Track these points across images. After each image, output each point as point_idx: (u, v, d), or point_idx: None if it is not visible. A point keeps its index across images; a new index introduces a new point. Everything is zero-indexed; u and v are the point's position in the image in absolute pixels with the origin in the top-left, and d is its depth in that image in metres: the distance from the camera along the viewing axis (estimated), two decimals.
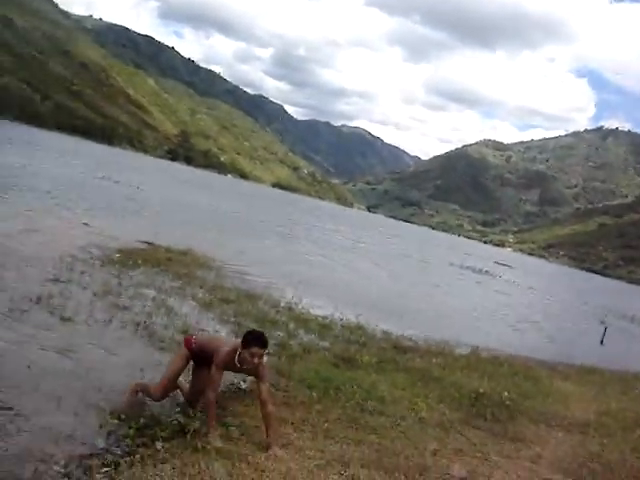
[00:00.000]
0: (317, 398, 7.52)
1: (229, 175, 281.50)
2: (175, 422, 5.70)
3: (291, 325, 11.92)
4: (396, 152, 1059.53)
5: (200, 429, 5.64)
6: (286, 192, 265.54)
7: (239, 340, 5.89)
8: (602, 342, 25.56)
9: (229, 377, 7.67)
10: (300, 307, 13.94)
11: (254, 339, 5.74)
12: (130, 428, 5.53)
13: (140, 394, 6.39)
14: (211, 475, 4.88)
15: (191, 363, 6.42)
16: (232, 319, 11.09)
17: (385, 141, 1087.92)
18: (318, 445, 6.09)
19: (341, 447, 6.21)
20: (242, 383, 7.68)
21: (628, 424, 9.96)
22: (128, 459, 4.99)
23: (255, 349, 5.70)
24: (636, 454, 8.19)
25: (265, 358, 5.96)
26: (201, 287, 13.35)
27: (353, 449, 6.23)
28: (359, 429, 6.88)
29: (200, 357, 6.19)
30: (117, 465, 4.88)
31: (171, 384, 6.33)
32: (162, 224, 23.95)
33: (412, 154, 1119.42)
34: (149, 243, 17.56)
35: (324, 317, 13.57)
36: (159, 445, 5.30)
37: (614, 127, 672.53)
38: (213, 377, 5.78)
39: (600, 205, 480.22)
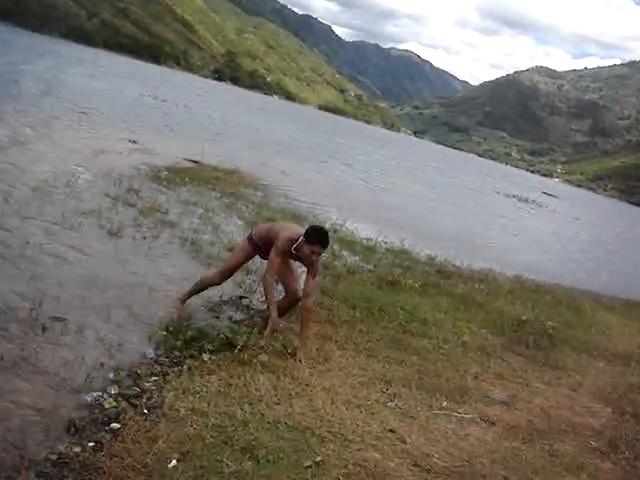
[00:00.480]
0: (360, 318, 7.62)
1: (275, 96, 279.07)
2: (222, 336, 5.80)
3: (335, 246, 11.94)
4: (445, 77, 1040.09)
5: (247, 343, 5.76)
6: (332, 115, 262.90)
7: (301, 229, 6.03)
8: None
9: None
10: (344, 229, 13.96)
11: (319, 238, 5.82)
12: (178, 340, 5.66)
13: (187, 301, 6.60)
14: (256, 387, 5.02)
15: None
16: None
17: (434, 65, 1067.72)
18: (361, 363, 6.21)
19: (383, 366, 6.33)
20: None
21: None
22: (176, 369, 5.15)
23: (317, 247, 5.80)
24: None
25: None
26: (247, 206, 13.43)
27: (395, 368, 6.35)
28: (401, 349, 6.97)
29: (266, 250, 6.24)
30: (165, 375, 5.03)
31: (230, 272, 6.54)
32: (209, 143, 23.92)
33: (461, 79, 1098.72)
34: (196, 162, 17.61)
35: (368, 239, 13.57)
36: (206, 357, 5.45)
37: None
38: (272, 261, 5.92)
39: None
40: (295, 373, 5.47)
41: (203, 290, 6.68)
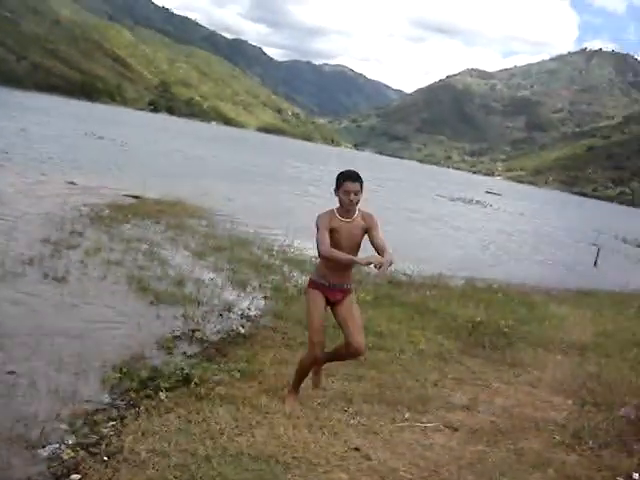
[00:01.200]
0: None
1: (213, 122, 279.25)
2: (178, 372, 5.72)
3: (285, 268, 11.96)
4: (380, 87, 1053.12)
5: (203, 376, 5.69)
6: (272, 135, 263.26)
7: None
8: (595, 264, 25.77)
9: (228, 324, 7.75)
10: (293, 249, 13.98)
11: (343, 176, 5.33)
12: (133, 381, 5.55)
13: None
14: (216, 420, 4.94)
15: None
16: (226, 266, 11.10)
17: (368, 77, 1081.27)
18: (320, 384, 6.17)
19: (342, 384, 6.31)
20: (241, 328, 7.73)
21: (625, 344, 10.10)
22: (133, 411, 5.04)
23: (347, 184, 5.25)
24: (634, 372, 8.32)
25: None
26: (193, 237, 13.34)
27: (355, 385, 6.34)
28: (359, 365, 6.94)
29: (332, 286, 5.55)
30: (123, 418, 4.92)
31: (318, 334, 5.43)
32: (150, 177, 23.69)
33: (396, 88, 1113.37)
34: (138, 197, 17.46)
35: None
36: (163, 396, 5.34)
37: (597, 48, 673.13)
38: (318, 236, 5.32)
39: (587, 128, 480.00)
40: (254, 402, 5.42)
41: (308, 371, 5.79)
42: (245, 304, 8.99)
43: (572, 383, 7.76)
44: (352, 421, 5.44)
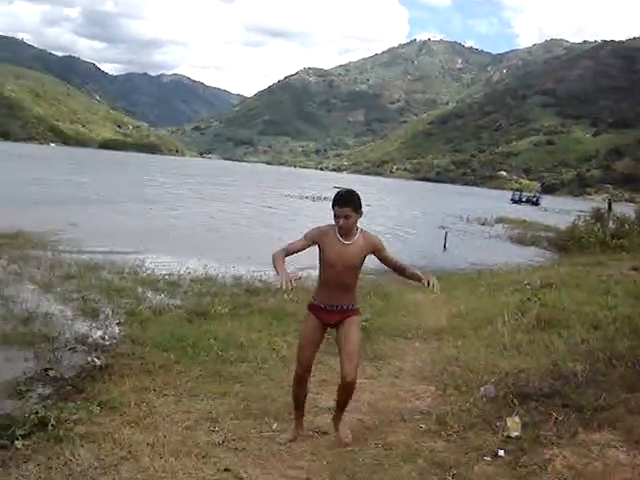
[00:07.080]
0: (175, 359, 7.41)
1: (52, 144, 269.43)
2: (32, 416, 5.41)
3: (138, 289, 11.63)
4: (220, 94, 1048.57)
5: (60, 417, 5.42)
6: (114, 151, 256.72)
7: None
8: (445, 247, 26.71)
9: (82, 357, 7.44)
10: (145, 269, 13.66)
11: (333, 200, 5.15)
12: None
13: None
14: (78, 462, 4.73)
15: None
16: (75, 295, 10.65)
17: (207, 84, 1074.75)
18: (183, 407, 6.03)
19: (207, 403, 6.20)
20: (97, 360, 7.43)
21: (479, 322, 10.40)
22: None
23: (335, 209, 5.11)
24: (490, 350, 8.60)
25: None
26: (39, 268, 12.75)
27: (220, 402, 6.24)
28: (222, 381, 6.86)
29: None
30: None
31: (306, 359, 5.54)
32: None
33: (236, 93, 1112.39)
34: None
35: (171, 274, 13.32)
36: (19, 444, 5.03)
37: (427, 39, 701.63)
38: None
39: (424, 115, 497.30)
40: (116, 436, 5.22)
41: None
42: (99, 333, 8.63)
43: (433, 369, 7.96)
44: (219, 440, 5.34)
